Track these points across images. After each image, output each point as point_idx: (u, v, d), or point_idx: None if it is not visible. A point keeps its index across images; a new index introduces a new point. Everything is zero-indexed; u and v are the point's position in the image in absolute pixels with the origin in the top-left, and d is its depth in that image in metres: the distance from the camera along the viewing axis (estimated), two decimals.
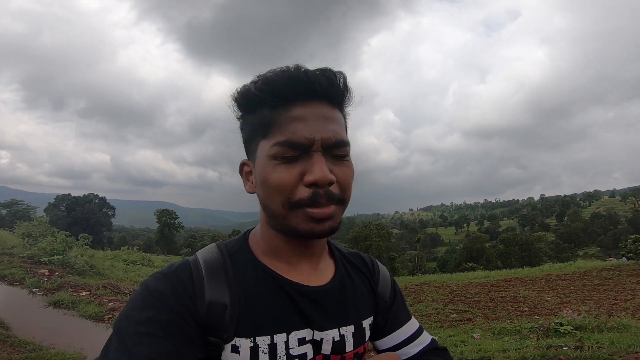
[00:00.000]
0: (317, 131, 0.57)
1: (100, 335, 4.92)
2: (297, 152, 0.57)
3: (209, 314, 0.58)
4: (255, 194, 0.64)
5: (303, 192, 0.57)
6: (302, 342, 0.62)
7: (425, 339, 0.78)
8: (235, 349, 0.58)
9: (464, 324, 8.04)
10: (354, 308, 0.69)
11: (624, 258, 19.78)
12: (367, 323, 0.71)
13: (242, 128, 0.65)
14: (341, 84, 0.61)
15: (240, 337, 0.58)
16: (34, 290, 7.05)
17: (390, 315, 0.77)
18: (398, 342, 0.75)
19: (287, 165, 0.57)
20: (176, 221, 62.32)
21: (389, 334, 0.76)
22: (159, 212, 62.24)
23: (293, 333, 0.61)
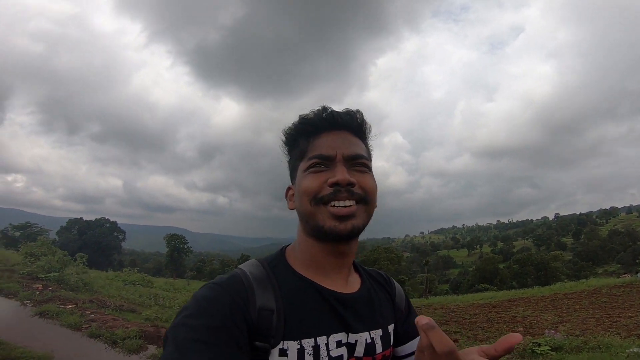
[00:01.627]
0: (340, 148, 0.75)
1: (73, 340, 5.14)
2: (324, 162, 0.74)
3: (259, 319, 0.64)
4: (294, 211, 0.79)
5: (326, 191, 0.72)
6: (339, 344, 0.70)
7: None
8: (283, 352, 0.65)
9: None
10: (380, 314, 0.80)
11: (639, 274, 19.11)
12: (391, 328, 0.82)
13: (288, 163, 0.83)
14: (359, 119, 0.79)
15: (288, 340, 0.66)
16: (25, 302, 7.37)
17: (407, 324, 0.86)
18: (415, 349, 0.87)
19: (316, 174, 0.74)
20: (185, 246, 62.71)
21: (410, 341, 0.85)
22: (168, 236, 62.92)
23: (332, 336, 0.70)
